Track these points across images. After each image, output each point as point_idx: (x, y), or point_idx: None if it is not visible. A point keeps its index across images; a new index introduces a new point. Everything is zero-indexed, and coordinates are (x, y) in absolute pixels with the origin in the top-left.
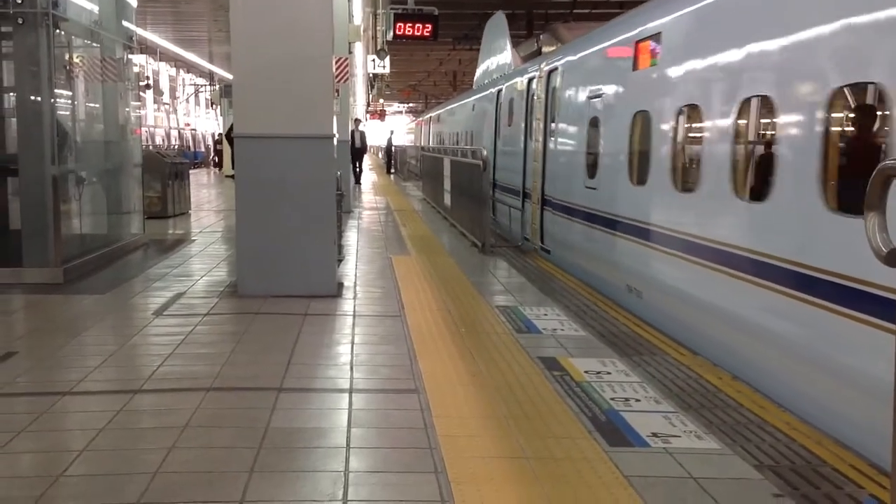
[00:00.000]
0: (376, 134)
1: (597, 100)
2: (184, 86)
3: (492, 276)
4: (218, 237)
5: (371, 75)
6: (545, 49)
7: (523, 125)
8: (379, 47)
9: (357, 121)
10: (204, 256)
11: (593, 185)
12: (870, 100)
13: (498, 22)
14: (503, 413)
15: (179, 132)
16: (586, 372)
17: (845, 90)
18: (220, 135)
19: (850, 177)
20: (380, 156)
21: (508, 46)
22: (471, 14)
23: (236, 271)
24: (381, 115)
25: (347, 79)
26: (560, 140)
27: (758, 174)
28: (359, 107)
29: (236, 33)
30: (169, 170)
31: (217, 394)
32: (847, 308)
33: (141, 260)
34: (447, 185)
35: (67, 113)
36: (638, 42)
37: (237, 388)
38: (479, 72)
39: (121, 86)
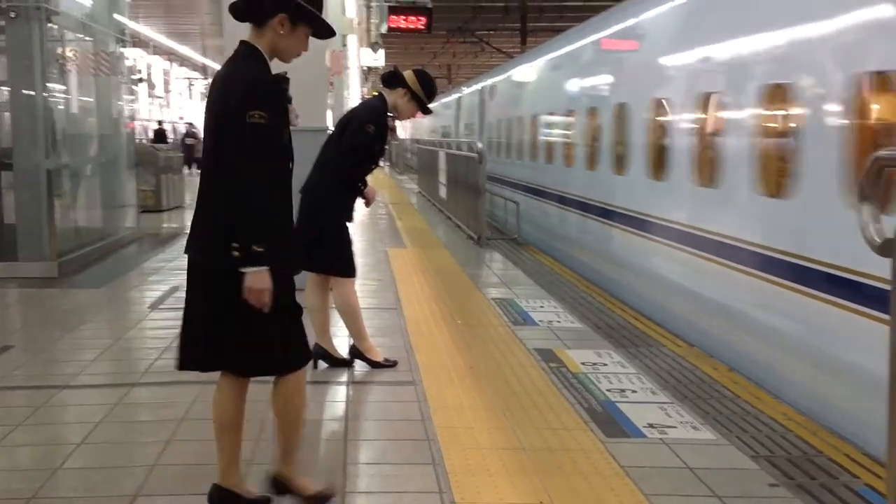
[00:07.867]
0: None
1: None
2: (177, 79)
3: (488, 269)
4: None
5: (365, 68)
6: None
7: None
8: (373, 40)
9: None
10: None
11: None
12: None
13: None
14: (500, 405)
15: (173, 125)
16: (583, 363)
17: None
18: (188, 125)
19: None
20: None
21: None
22: (465, 6)
23: None
24: None
25: (341, 72)
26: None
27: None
28: (353, 100)
29: (229, 26)
30: (163, 163)
31: (213, 386)
32: None
33: (136, 254)
34: (442, 177)
35: (61, 107)
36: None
37: None
38: None
39: (114, 79)
